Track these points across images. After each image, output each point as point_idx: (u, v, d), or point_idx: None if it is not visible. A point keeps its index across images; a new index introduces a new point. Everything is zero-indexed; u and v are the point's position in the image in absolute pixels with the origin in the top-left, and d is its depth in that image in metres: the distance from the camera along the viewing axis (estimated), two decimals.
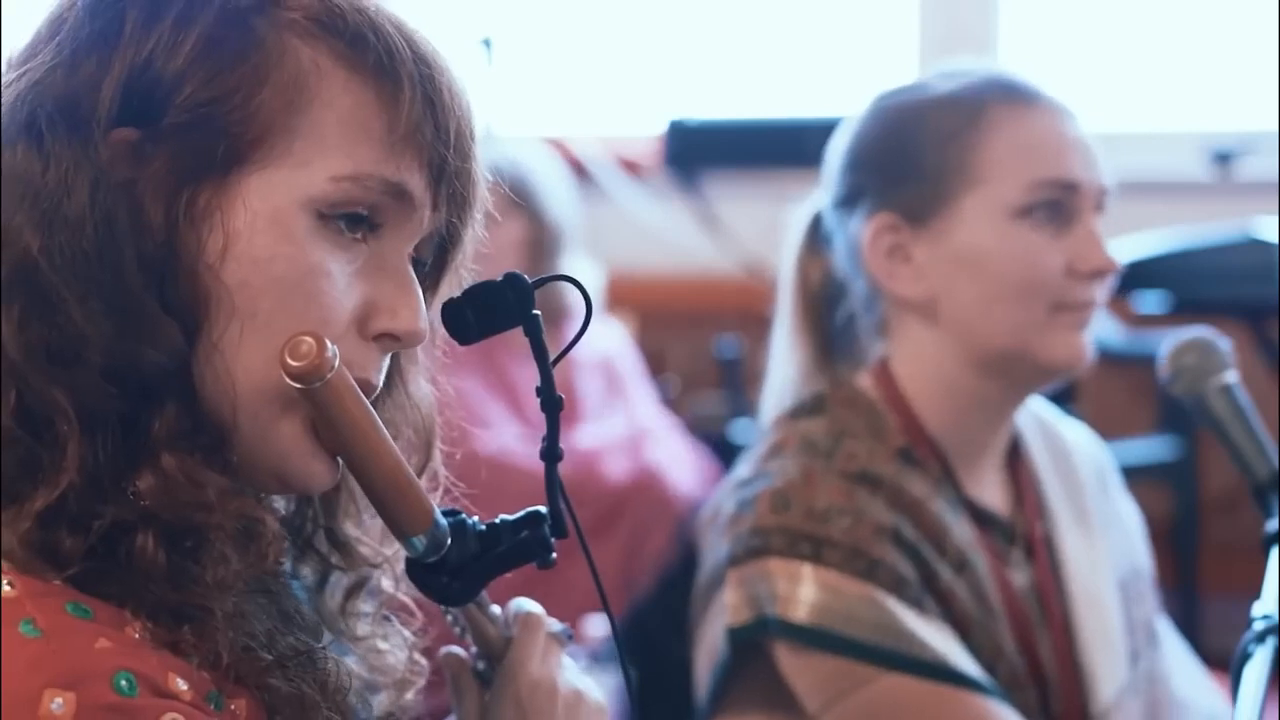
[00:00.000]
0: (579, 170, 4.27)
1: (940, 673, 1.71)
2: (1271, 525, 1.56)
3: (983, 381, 1.81)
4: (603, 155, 4.36)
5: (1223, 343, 1.72)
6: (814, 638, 1.71)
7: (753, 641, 1.75)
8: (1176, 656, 1.97)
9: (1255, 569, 1.53)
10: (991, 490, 1.87)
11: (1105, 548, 1.91)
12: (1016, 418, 1.89)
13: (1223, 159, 3.76)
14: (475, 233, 1.18)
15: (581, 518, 1.21)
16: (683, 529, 3.39)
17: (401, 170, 1.10)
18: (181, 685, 1.01)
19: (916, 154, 1.80)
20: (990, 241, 1.77)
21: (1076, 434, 2.00)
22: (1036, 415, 1.95)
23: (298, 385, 1.05)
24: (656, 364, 4.34)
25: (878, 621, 1.71)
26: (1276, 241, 2.98)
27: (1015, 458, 1.91)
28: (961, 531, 1.80)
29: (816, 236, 1.89)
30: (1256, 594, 1.46)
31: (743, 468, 1.85)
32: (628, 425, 3.66)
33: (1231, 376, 1.69)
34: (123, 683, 0.98)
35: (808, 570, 1.72)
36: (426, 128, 1.10)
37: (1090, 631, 1.84)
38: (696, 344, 4.23)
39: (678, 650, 1.93)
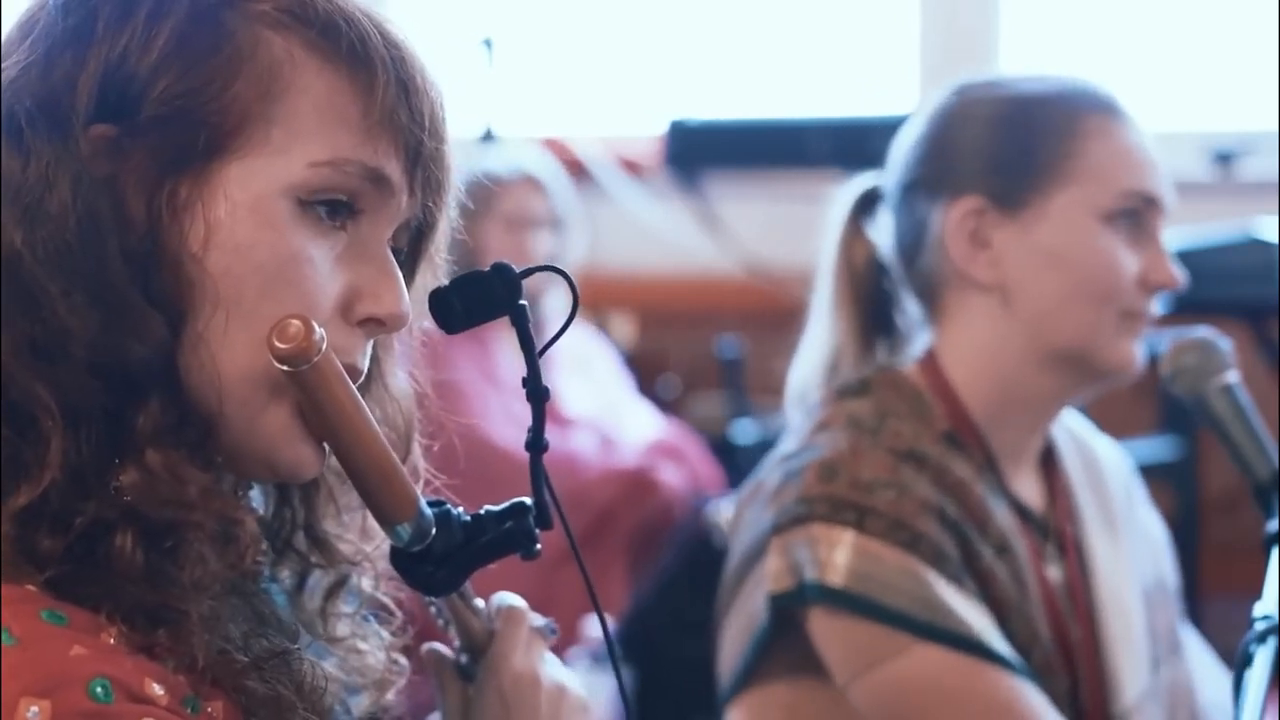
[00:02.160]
0: (579, 170, 4.26)
1: (974, 647, 1.71)
2: (1272, 525, 1.56)
3: (1037, 377, 1.82)
4: (603, 155, 4.36)
5: (1223, 343, 1.73)
6: (850, 602, 1.71)
7: (791, 610, 1.75)
8: (1203, 665, 1.98)
9: (1255, 569, 1.52)
10: (1028, 488, 1.89)
11: (1130, 556, 1.92)
12: (1054, 424, 1.91)
13: (1223, 159, 3.75)
14: (450, 220, 1.18)
15: (574, 522, 1.21)
16: (682, 530, 3.39)
17: (379, 155, 1.10)
18: (158, 690, 1.00)
19: (1019, 143, 1.82)
20: (1077, 240, 1.80)
21: (1106, 448, 2.01)
22: (1069, 428, 1.97)
23: (286, 368, 1.05)
24: (656, 364, 4.34)
25: (915, 593, 1.71)
26: (1277, 241, 2.98)
27: (1049, 464, 1.92)
28: (1003, 517, 1.81)
29: (862, 217, 1.91)
30: (1256, 594, 1.45)
31: (788, 443, 1.86)
32: (603, 421, 3.68)
33: (1232, 376, 1.70)
34: (98, 689, 0.97)
35: (849, 536, 1.72)
36: (401, 111, 1.11)
37: (1115, 633, 1.85)
38: (696, 344, 4.23)
39: (679, 650, 1.93)
